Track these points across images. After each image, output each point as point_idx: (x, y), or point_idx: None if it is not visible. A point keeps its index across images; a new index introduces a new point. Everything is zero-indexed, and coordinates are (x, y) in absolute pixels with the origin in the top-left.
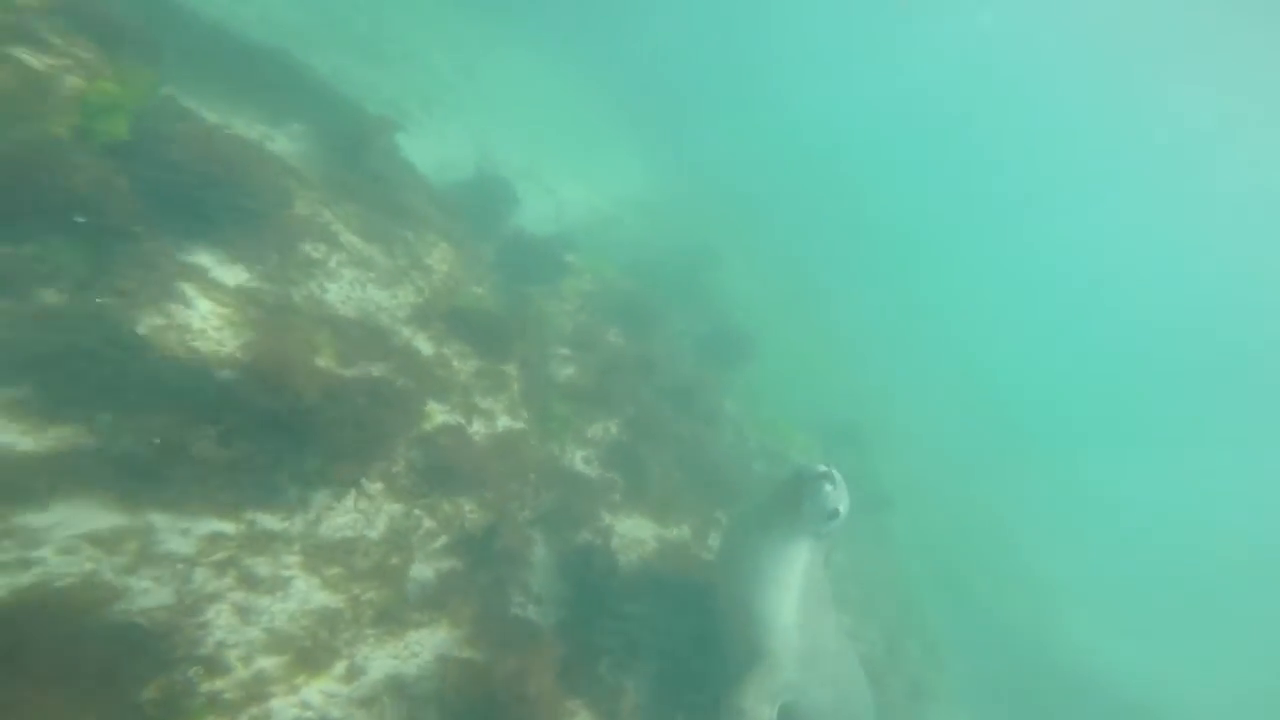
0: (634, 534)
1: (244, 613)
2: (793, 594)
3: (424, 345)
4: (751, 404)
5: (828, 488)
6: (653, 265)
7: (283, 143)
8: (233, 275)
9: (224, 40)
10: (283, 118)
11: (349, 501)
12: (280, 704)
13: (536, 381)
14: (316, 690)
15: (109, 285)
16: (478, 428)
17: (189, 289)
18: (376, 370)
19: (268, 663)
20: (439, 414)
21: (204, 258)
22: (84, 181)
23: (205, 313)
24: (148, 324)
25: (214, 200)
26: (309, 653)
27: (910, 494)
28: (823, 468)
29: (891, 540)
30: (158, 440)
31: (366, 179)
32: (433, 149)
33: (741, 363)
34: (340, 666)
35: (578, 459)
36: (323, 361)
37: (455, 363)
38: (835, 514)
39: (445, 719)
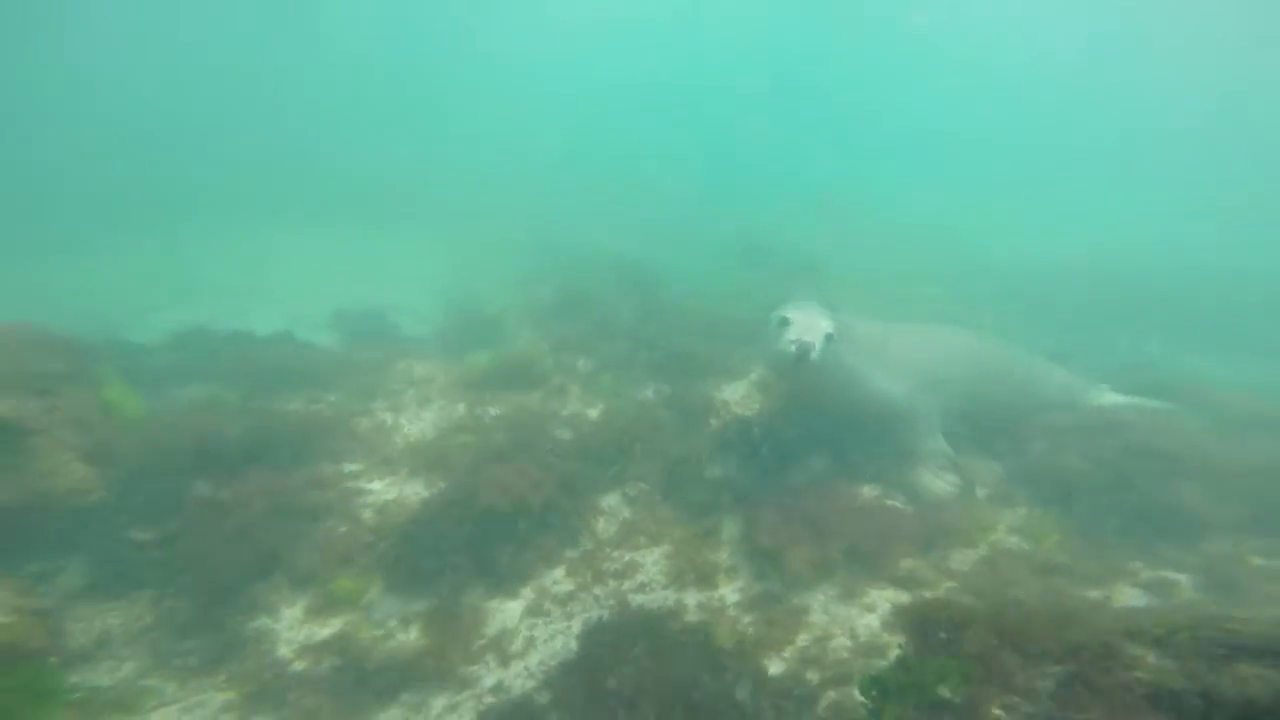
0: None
1: None
2: (870, 369)
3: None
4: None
5: (789, 336)
6: None
7: None
8: None
9: None
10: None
11: None
12: None
13: None
14: None
15: None
16: None
17: None
18: None
19: None
20: None
21: None
22: None
23: None
24: None
25: None
26: None
27: (841, 253)
28: (779, 315)
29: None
30: None
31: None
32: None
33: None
34: None
35: None
36: None
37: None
38: (807, 347)
39: None
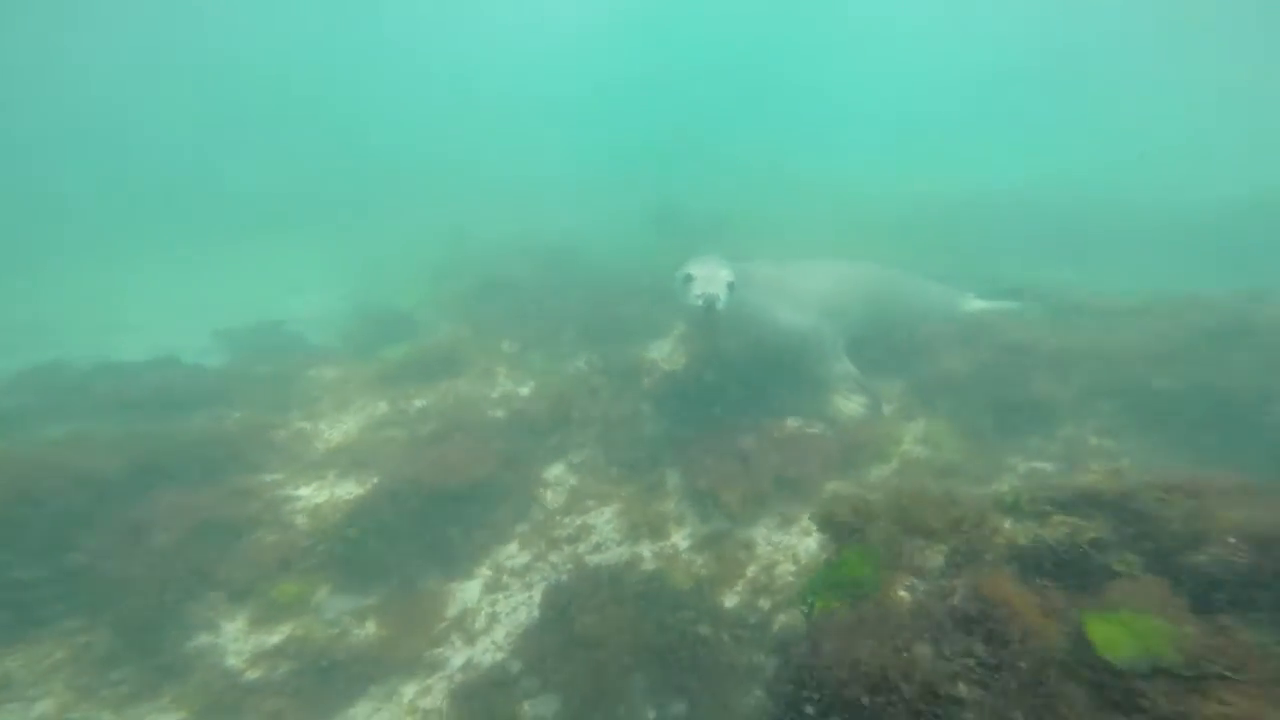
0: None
1: None
2: (774, 306)
3: None
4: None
5: (695, 291)
6: None
7: None
8: None
9: None
10: None
11: None
12: None
13: None
14: None
15: None
16: None
17: None
18: None
19: None
20: None
21: None
22: None
23: None
24: None
25: None
26: None
27: (752, 211)
28: (683, 273)
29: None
30: None
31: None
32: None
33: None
34: None
35: None
36: None
37: None
38: (713, 298)
39: None
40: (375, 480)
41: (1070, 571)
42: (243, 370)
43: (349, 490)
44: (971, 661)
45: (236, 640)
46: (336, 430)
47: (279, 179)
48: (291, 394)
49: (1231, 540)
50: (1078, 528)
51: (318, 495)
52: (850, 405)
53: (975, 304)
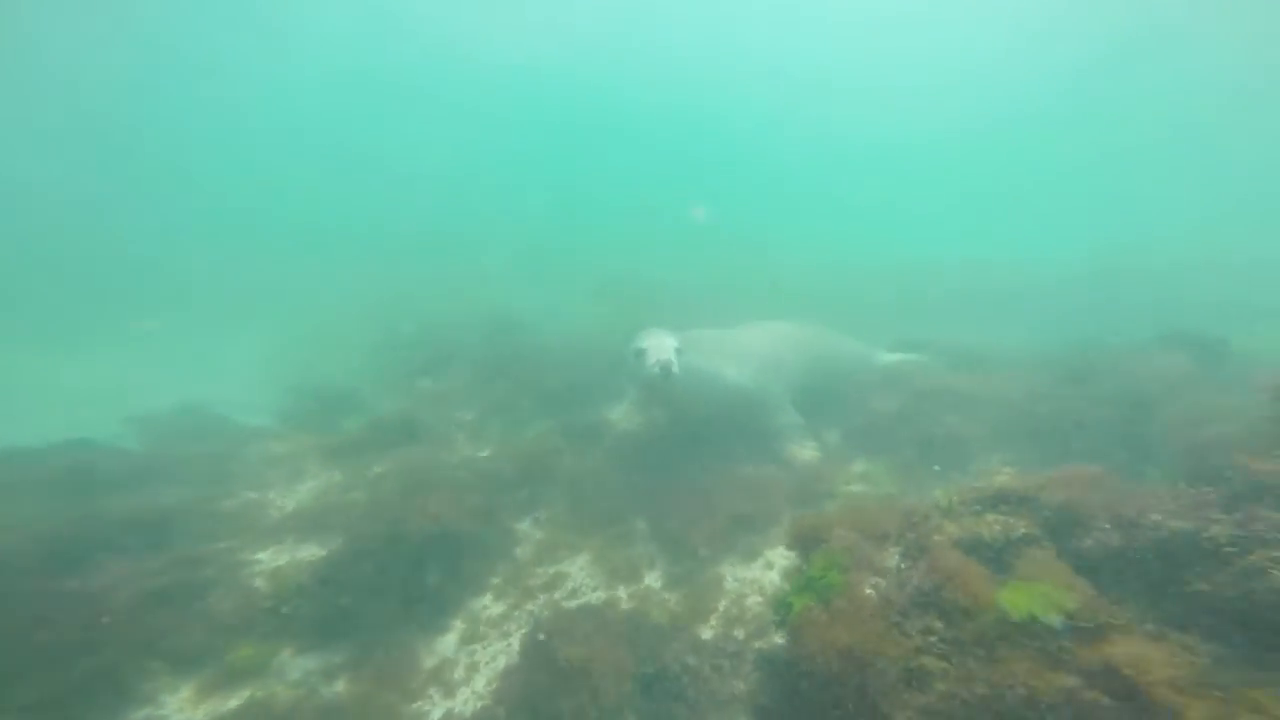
0: (620, 415)
1: None
2: (721, 368)
3: None
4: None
5: (650, 361)
6: None
7: None
8: None
9: None
10: None
11: None
12: None
13: None
14: None
15: None
16: None
17: None
18: None
19: None
20: None
21: None
22: None
23: None
24: None
25: None
26: None
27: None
28: (634, 348)
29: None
30: None
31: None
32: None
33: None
34: None
35: None
36: None
37: None
38: (668, 364)
39: None
40: (340, 540)
41: (998, 557)
42: (170, 451)
43: (311, 552)
44: (933, 638)
45: (181, 710)
46: (290, 499)
47: (185, 260)
48: (232, 470)
49: (1106, 526)
50: (1009, 525)
51: (277, 558)
52: (803, 451)
53: (888, 357)
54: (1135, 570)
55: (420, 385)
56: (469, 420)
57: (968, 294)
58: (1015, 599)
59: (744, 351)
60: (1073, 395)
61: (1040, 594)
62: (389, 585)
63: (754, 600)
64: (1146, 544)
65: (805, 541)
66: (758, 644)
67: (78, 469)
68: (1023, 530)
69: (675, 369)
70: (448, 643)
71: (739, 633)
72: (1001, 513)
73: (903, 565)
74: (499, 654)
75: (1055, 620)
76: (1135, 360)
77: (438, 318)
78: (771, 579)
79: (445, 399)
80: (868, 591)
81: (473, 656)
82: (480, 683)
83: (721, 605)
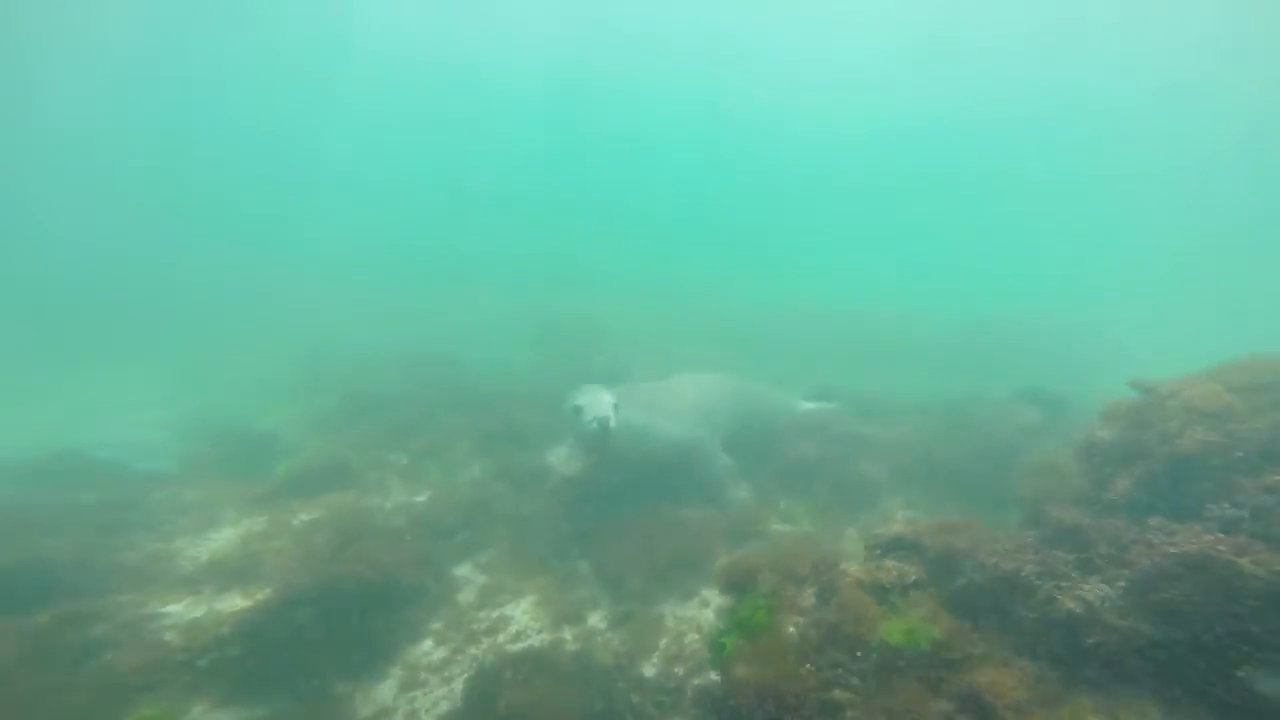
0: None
1: None
2: (656, 422)
3: None
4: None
5: (586, 418)
6: None
7: None
8: None
9: None
10: None
11: None
12: None
13: None
14: None
15: None
16: None
17: None
18: None
19: None
20: None
21: None
22: None
23: None
24: None
25: None
26: None
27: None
28: (571, 405)
29: None
30: None
31: None
32: None
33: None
34: None
35: None
36: None
37: None
38: (605, 420)
39: None
40: (266, 590)
41: (888, 598)
42: (52, 499)
43: (233, 603)
44: (840, 670)
45: None
46: (204, 548)
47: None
48: (133, 519)
49: (970, 568)
50: (902, 571)
51: (193, 610)
52: (738, 493)
53: (805, 405)
54: (989, 603)
55: (345, 427)
56: (403, 465)
57: (863, 341)
58: (892, 631)
59: (677, 405)
60: (955, 443)
61: (910, 627)
62: (320, 636)
63: (692, 638)
64: (991, 581)
65: (735, 584)
66: (696, 680)
67: None
68: (913, 576)
69: (612, 424)
70: (386, 690)
71: (679, 670)
72: (896, 558)
73: (815, 605)
74: (440, 700)
75: (924, 646)
76: (1001, 411)
77: (358, 357)
78: (707, 617)
79: (376, 442)
80: (790, 630)
81: (413, 704)
82: None
83: (662, 643)
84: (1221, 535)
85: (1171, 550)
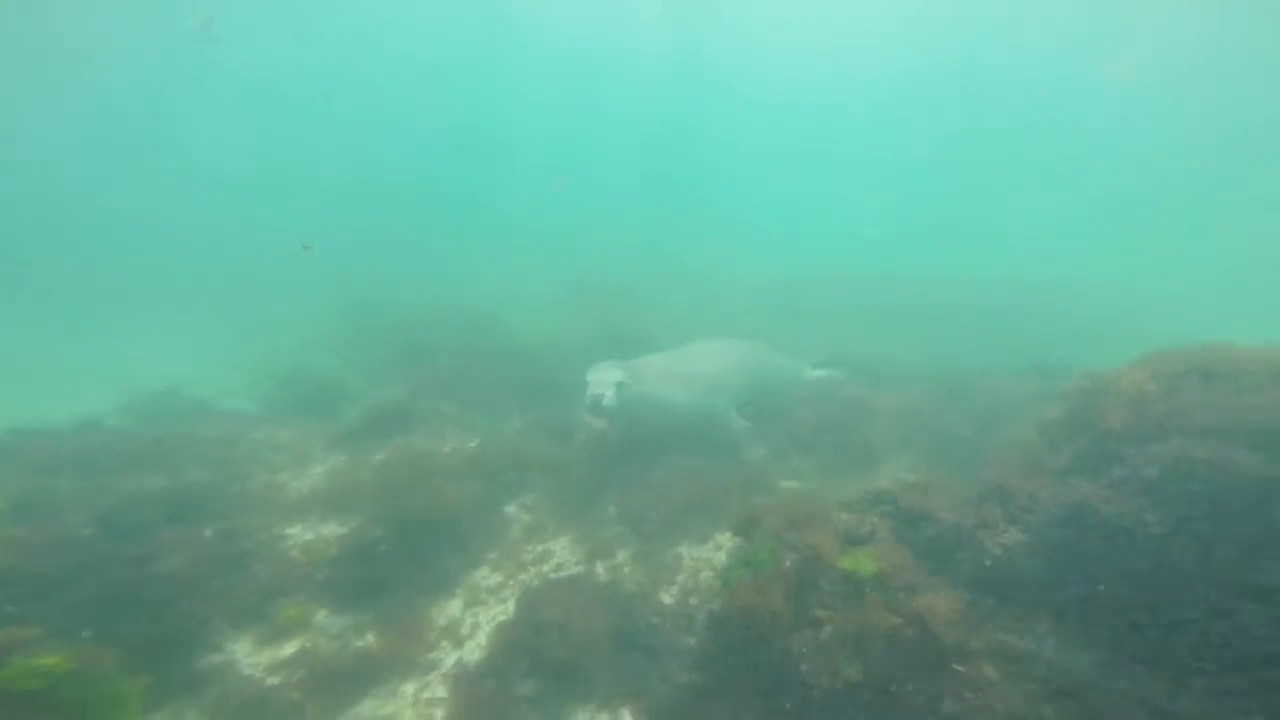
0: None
1: None
2: (669, 392)
3: None
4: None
5: (594, 391)
6: None
7: None
8: None
9: None
10: None
11: None
12: None
13: None
14: None
15: None
16: None
17: None
18: None
19: None
20: None
21: None
22: None
23: None
24: None
25: None
26: None
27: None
28: (587, 377)
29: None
30: None
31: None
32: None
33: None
34: None
35: None
36: None
37: None
38: (599, 398)
39: None
40: (356, 521)
41: (862, 541)
42: (172, 433)
43: (333, 530)
44: (820, 593)
45: (249, 656)
46: (303, 482)
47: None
48: (240, 454)
49: (942, 516)
50: (875, 524)
51: (305, 534)
52: (753, 451)
53: (813, 372)
54: (942, 549)
55: (403, 377)
56: (453, 413)
57: (877, 308)
58: (845, 562)
59: (690, 373)
60: (955, 411)
61: (855, 560)
62: (402, 559)
63: (705, 575)
64: (943, 531)
65: (746, 527)
66: (707, 608)
67: (95, 450)
68: (885, 529)
69: (606, 401)
70: (454, 607)
71: (693, 600)
72: (878, 512)
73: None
74: (498, 614)
75: (866, 572)
76: (1003, 383)
77: (411, 312)
78: (720, 558)
79: (429, 392)
80: (786, 564)
81: (476, 616)
82: (483, 636)
83: (680, 578)
84: (1097, 488)
85: (1064, 500)
